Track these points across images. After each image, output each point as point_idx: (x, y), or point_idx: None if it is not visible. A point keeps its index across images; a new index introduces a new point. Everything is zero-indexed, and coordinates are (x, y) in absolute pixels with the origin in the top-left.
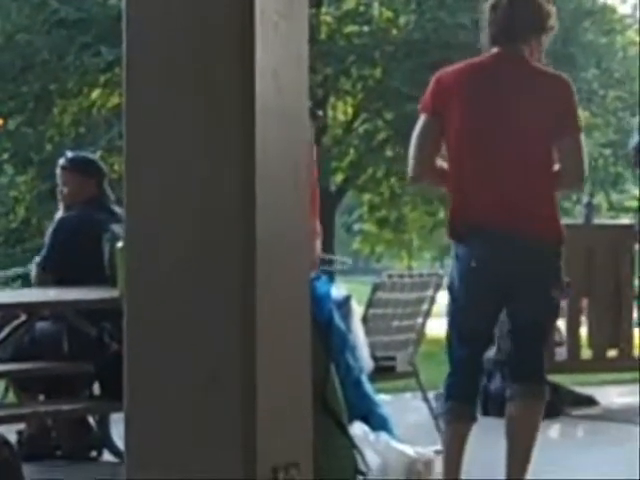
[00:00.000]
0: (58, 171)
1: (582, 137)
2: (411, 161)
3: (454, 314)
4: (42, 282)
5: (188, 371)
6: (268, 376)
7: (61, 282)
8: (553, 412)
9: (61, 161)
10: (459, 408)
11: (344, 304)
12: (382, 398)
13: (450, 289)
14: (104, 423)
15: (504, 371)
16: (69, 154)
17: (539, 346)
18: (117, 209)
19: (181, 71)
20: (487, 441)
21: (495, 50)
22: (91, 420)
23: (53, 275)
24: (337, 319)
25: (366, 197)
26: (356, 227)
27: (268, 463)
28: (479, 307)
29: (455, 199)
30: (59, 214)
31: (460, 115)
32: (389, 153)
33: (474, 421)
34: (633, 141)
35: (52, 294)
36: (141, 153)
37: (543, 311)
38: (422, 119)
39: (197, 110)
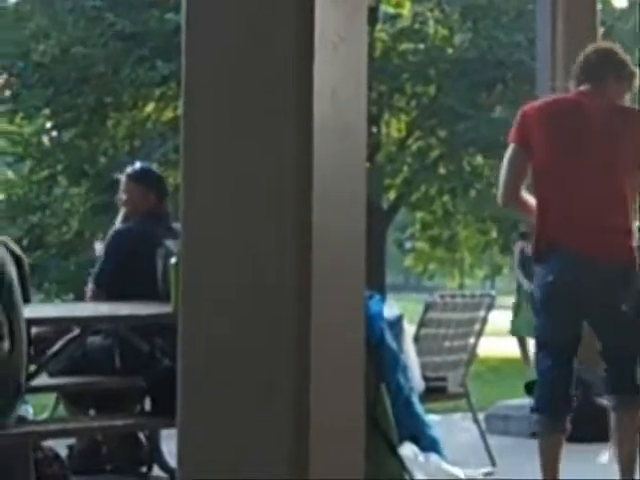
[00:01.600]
0: (123, 179)
1: None
2: (500, 187)
3: (538, 328)
4: (97, 298)
5: (241, 388)
6: (321, 395)
7: (114, 296)
8: (604, 436)
9: (128, 169)
10: (547, 422)
11: (396, 324)
12: (432, 419)
13: (534, 307)
14: (154, 438)
15: None
16: (137, 164)
17: (629, 362)
18: (175, 225)
19: (240, 89)
20: (534, 462)
21: (580, 89)
22: (141, 435)
23: (107, 289)
24: (389, 339)
25: (419, 215)
26: (408, 245)
27: None
28: (559, 321)
29: (540, 223)
30: (117, 222)
31: (545, 145)
32: (442, 171)
33: (564, 433)
34: None
35: (105, 309)
36: (198, 169)
37: (626, 330)
38: (510, 148)
39: (255, 128)
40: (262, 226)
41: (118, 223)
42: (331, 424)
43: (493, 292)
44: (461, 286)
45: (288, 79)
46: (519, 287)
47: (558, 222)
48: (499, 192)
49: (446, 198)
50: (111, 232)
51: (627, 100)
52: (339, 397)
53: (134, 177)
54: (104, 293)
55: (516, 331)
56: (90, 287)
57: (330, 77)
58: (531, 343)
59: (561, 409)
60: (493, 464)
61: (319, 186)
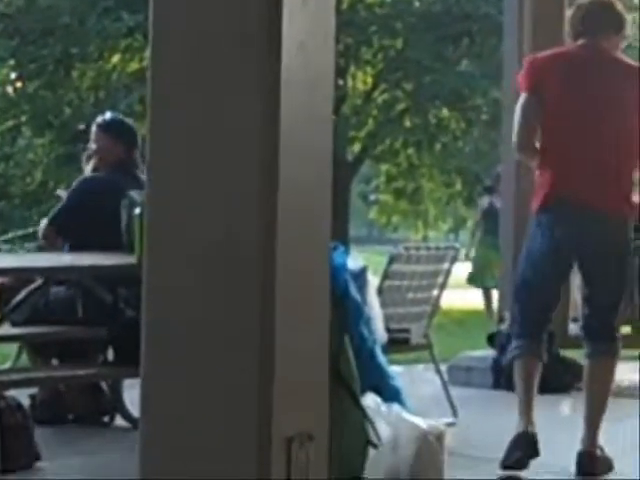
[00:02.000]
0: (93, 129)
1: None
2: (514, 135)
3: (527, 272)
4: (46, 236)
5: (205, 339)
6: (287, 347)
7: (77, 246)
8: (565, 387)
9: (98, 119)
10: (525, 345)
11: (360, 275)
12: (395, 370)
13: (529, 251)
14: (117, 389)
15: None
16: (108, 114)
17: (610, 310)
18: (142, 176)
19: (208, 41)
20: (495, 413)
21: (580, 42)
22: (104, 385)
23: (64, 235)
24: (353, 290)
25: (383, 167)
26: (372, 197)
27: (282, 434)
28: (554, 272)
29: (546, 173)
30: (87, 171)
31: (553, 97)
32: (407, 124)
33: (541, 360)
34: None
35: (68, 259)
36: (165, 120)
37: (615, 280)
38: (523, 96)
39: (223, 80)
40: (229, 176)
41: (88, 172)
42: (296, 376)
43: (457, 244)
44: (425, 238)
45: (257, 31)
46: (482, 238)
47: (565, 174)
48: (513, 141)
49: (411, 151)
50: (78, 179)
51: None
52: (305, 349)
53: (104, 127)
54: (54, 233)
55: (474, 281)
56: (42, 226)
57: (299, 30)
58: (495, 295)
59: (538, 335)
60: (455, 415)
61: (286, 137)
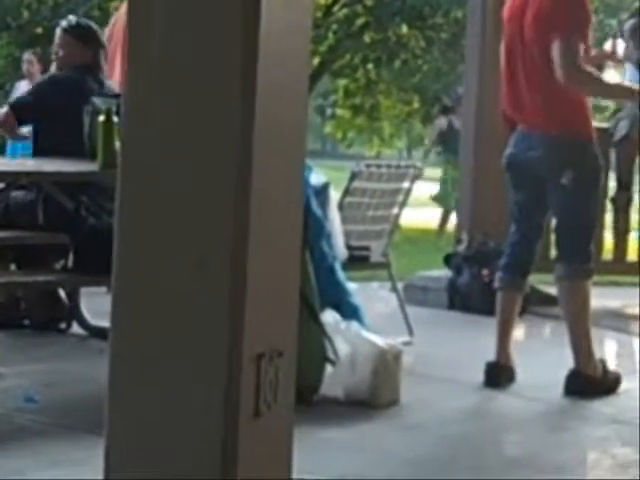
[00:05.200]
0: (58, 33)
1: (570, 38)
2: None
3: (512, 205)
4: (5, 121)
5: (178, 254)
6: (259, 263)
7: (42, 151)
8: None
9: (63, 23)
10: (507, 279)
11: (322, 191)
12: (352, 287)
13: (507, 180)
14: (74, 296)
15: (472, 267)
16: (72, 18)
17: (578, 230)
18: (107, 82)
19: None
20: (450, 333)
21: None
22: (61, 292)
23: (23, 123)
24: (314, 206)
25: (341, 82)
26: (329, 111)
27: (253, 350)
28: (517, 190)
29: (502, 103)
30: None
31: (503, 35)
32: (367, 39)
33: (522, 291)
34: None
35: (31, 164)
36: (142, 29)
37: (568, 199)
38: None
39: None
40: (205, 88)
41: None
42: (267, 292)
43: (419, 163)
44: (378, 155)
45: None
46: (447, 159)
47: (510, 101)
48: None
49: (370, 67)
50: (48, 74)
51: None
52: (277, 265)
53: (69, 31)
54: (13, 119)
55: (440, 201)
56: (4, 109)
57: None
58: (453, 217)
59: (520, 269)
60: (411, 334)
61: (264, 49)
